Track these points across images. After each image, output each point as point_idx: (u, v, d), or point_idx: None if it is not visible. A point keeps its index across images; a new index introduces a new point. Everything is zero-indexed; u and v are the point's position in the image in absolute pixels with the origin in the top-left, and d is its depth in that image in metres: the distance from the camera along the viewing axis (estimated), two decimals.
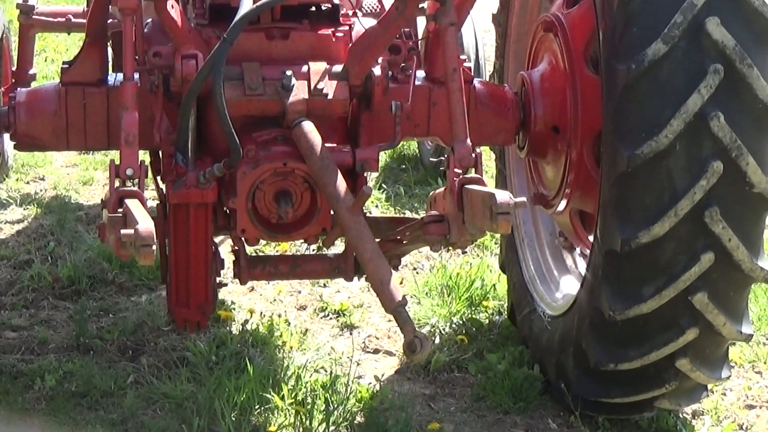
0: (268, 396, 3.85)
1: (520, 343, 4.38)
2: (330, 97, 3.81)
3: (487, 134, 4.23)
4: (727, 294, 3.77)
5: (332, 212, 3.75)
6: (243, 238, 3.93)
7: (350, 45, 3.99)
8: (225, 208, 3.92)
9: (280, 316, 4.51)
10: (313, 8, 4.04)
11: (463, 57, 4.34)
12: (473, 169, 3.72)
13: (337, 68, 3.87)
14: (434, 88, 4.05)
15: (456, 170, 3.68)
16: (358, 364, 4.16)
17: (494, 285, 4.72)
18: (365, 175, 3.89)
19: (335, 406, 3.82)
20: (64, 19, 5.20)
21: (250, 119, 3.80)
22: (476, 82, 4.28)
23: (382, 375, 4.14)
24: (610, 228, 3.70)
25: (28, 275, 4.76)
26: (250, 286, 4.78)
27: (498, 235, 4.78)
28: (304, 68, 3.83)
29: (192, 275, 3.93)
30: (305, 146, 3.68)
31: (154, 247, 3.29)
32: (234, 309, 4.54)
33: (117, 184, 3.52)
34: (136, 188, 3.52)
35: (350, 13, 4.18)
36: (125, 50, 3.64)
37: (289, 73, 3.74)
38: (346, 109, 3.93)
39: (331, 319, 4.56)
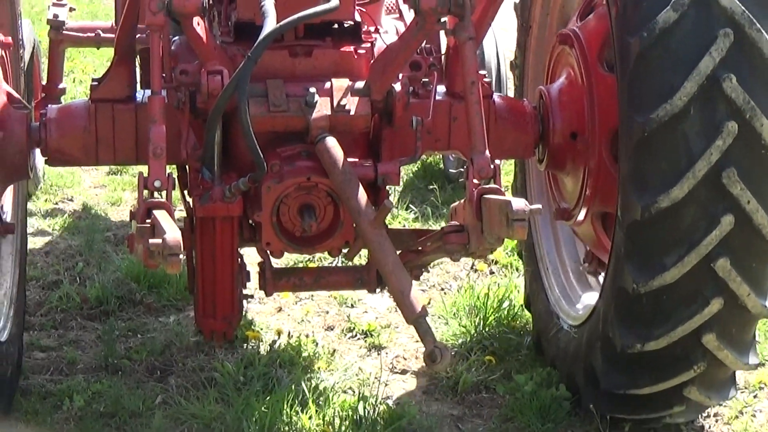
0: (296, 417, 3.86)
1: (548, 364, 4.39)
2: (352, 113, 3.90)
3: (507, 147, 4.29)
4: (750, 262, 3.79)
5: (354, 225, 3.83)
6: (268, 251, 4.05)
7: (372, 61, 4.08)
8: (250, 222, 4.00)
9: (307, 336, 4.52)
10: (336, 26, 4.13)
11: (483, 72, 4.36)
12: (492, 180, 3.76)
13: (359, 84, 3.95)
14: (455, 103, 4.12)
15: (475, 181, 3.74)
16: (386, 385, 4.17)
17: (522, 305, 4.70)
18: (387, 189, 3.97)
19: (363, 427, 3.83)
20: (93, 34, 5.30)
21: (275, 135, 3.89)
22: (496, 96, 4.35)
23: (410, 396, 4.14)
24: (630, 198, 3.73)
25: (56, 296, 4.78)
26: (278, 306, 4.81)
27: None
28: (327, 85, 3.92)
29: (218, 287, 4.03)
30: (328, 161, 3.77)
31: (181, 256, 3.41)
32: (262, 329, 4.55)
33: (145, 195, 3.60)
34: (164, 200, 3.60)
35: (372, 30, 4.27)
36: (153, 66, 3.72)
37: (312, 90, 3.83)
38: (368, 124, 4.02)
39: (358, 339, 4.57)
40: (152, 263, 3.46)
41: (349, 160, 3.82)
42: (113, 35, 4.58)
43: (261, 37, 3.67)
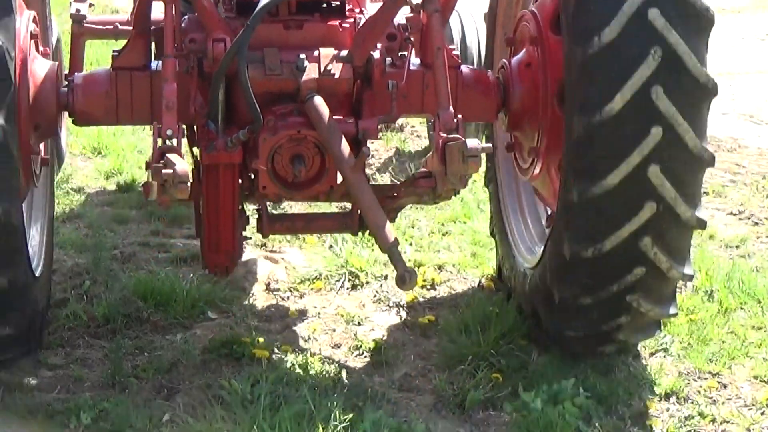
0: None
1: (506, 295, 5.01)
2: (337, 76, 4.53)
3: (474, 112, 4.92)
4: (670, 240, 4.40)
5: (338, 172, 4.44)
6: (264, 197, 4.66)
7: (354, 34, 4.70)
8: (249, 173, 4.61)
9: (314, 354, 4.52)
10: (324, 5, 4.80)
11: (452, 46, 5.06)
12: (456, 132, 4.32)
13: (343, 53, 4.57)
14: (427, 72, 4.68)
15: (441, 134, 4.32)
16: (393, 403, 4.17)
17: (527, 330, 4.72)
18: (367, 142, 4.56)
19: None
20: (111, 27, 5.72)
21: (270, 95, 4.48)
22: (464, 67, 4.96)
23: (417, 413, 4.13)
24: (570, 183, 4.35)
25: (63, 314, 4.79)
26: (285, 323, 4.81)
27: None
28: (315, 53, 4.54)
29: (221, 226, 4.65)
30: (315, 117, 4.40)
31: (189, 184, 4.09)
32: (269, 347, 4.55)
33: (159, 143, 4.18)
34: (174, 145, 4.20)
35: (356, 10, 4.88)
36: (166, 34, 4.38)
37: (302, 56, 4.45)
38: (351, 87, 4.63)
39: (365, 357, 4.57)
40: (165, 198, 4.13)
41: (334, 117, 4.45)
42: (130, 27, 5.03)
43: (257, 8, 4.34)
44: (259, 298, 5.05)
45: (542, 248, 4.79)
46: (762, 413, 4.20)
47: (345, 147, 4.38)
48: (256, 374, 4.31)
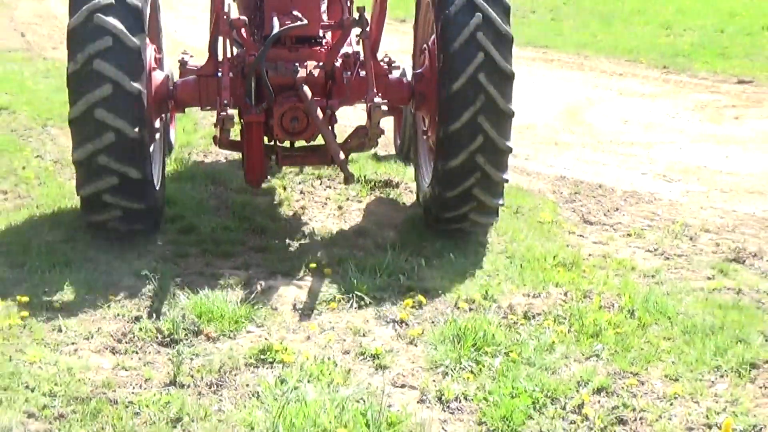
0: (320, 420, 3.89)
1: (422, 209, 6.39)
2: (316, 76, 6.03)
3: (395, 99, 6.36)
4: (494, 158, 5.82)
5: (317, 126, 5.86)
6: (277, 139, 6.13)
7: (327, 54, 6.13)
8: (268, 127, 6.00)
9: (329, 359, 4.54)
10: (312, 39, 6.27)
11: (384, 60, 6.50)
12: (376, 108, 5.83)
13: (320, 64, 6.10)
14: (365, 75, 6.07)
15: (368, 104, 5.88)
16: (389, 396, 4.20)
17: (493, 334, 4.74)
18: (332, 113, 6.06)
19: (372, 428, 3.86)
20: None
21: (279, 86, 5.90)
22: (390, 75, 6.34)
23: (407, 404, 4.16)
24: (438, 127, 5.86)
25: (137, 327, 4.83)
26: (307, 335, 4.83)
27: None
28: (305, 63, 6.06)
29: (254, 159, 6.14)
30: (304, 97, 5.84)
31: (236, 125, 5.85)
32: (294, 353, 4.58)
33: (221, 110, 5.69)
34: (230, 111, 5.71)
35: (327, 40, 6.43)
36: (224, 52, 6.00)
37: (297, 65, 6.00)
38: (324, 82, 6.08)
39: (368, 361, 4.58)
40: (224, 136, 5.93)
41: (315, 98, 5.89)
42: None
43: (268, 39, 5.87)
44: (287, 316, 5.08)
45: (431, 173, 6.15)
46: (671, 404, 4.21)
47: (319, 113, 5.84)
48: (284, 374, 4.35)
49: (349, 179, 6.03)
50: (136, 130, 5.48)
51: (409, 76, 6.37)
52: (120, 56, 5.38)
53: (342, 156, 5.94)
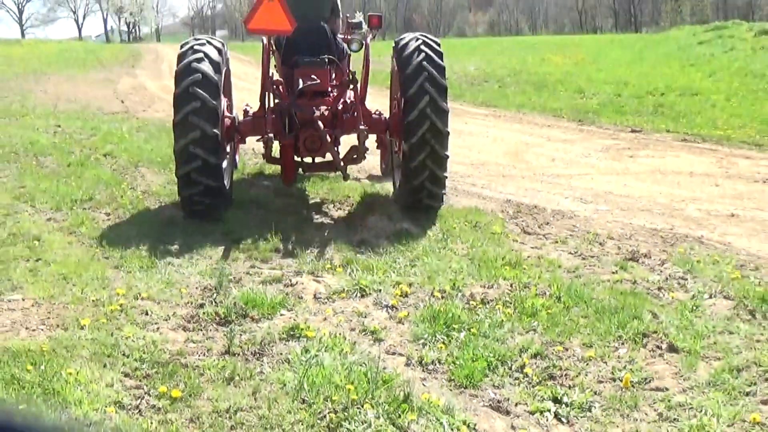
0: (334, 379, 3.84)
1: (394, 194, 7.27)
2: (326, 115, 6.71)
3: (376, 129, 7.05)
4: (437, 163, 6.58)
5: (327, 147, 6.61)
6: (301, 155, 6.72)
7: (333, 101, 6.87)
8: (296, 147, 6.66)
9: (340, 334, 4.49)
10: (323, 92, 6.91)
11: (376, 111, 7.22)
12: (362, 135, 6.67)
13: (329, 108, 6.75)
14: (356, 114, 6.84)
15: (358, 133, 6.65)
16: (384, 361, 4.15)
17: (459, 315, 4.69)
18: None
19: (371, 384, 3.81)
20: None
21: (303, 122, 6.60)
22: (373, 115, 7.03)
23: (397, 367, 4.11)
24: (402, 143, 6.61)
25: (202, 312, 4.78)
26: (324, 317, 4.76)
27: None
28: (320, 108, 6.71)
29: (288, 169, 6.86)
30: (319, 129, 6.56)
31: (276, 143, 6.76)
32: (314, 330, 4.53)
33: (266, 136, 6.49)
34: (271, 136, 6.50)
35: (333, 93, 7.05)
36: (268, 104, 6.91)
37: (314, 108, 6.64)
38: (332, 118, 6.75)
39: (368, 335, 4.53)
40: (268, 153, 6.75)
41: (326, 129, 6.55)
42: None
43: (296, 93, 6.70)
44: (310, 303, 5.04)
45: (400, 175, 6.89)
46: (587, 364, 4.16)
47: (328, 139, 6.52)
48: (308, 346, 4.29)
49: (346, 178, 6.89)
50: (214, 160, 6.33)
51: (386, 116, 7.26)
52: (204, 112, 6.25)
53: (342, 165, 6.76)
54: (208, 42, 6.50)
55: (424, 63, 6.40)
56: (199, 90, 6.16)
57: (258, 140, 6.91)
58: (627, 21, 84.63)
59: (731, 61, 21.45)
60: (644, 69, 21.50)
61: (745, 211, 7.28)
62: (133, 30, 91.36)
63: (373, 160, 8.49)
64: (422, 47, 6.48)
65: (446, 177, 6.64)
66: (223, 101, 6.58)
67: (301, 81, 6.73)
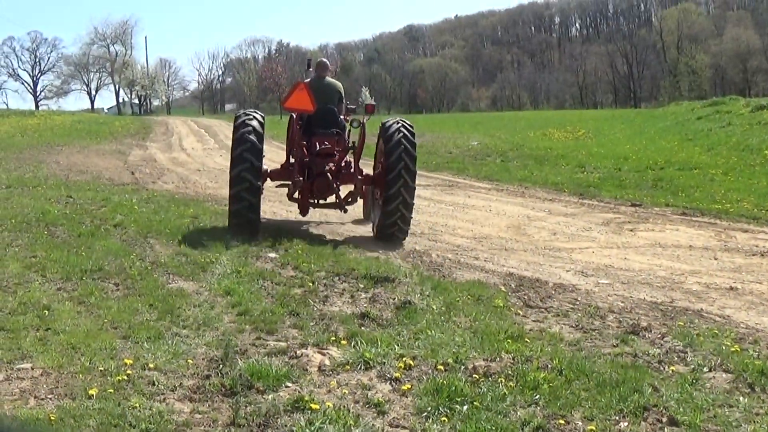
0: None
1: (373, 230, 9.62)
2: (333, 168, 9.01)
3: (366, 181, 9.37)
4: (406, 207, 8.91)
5: (333, 191, 9.06)
6: (314, 194, 9.24)
7: (338, 160, 9.34)
8: (311, 190, 9.09)
9: (344, 406, 4.49)
10: (332, 153, 9.32)
11: (367, 174, 9.74)
12: (362, 185, 9.57)
13: (334, 164, 9.18)
14: (353, 170, 9.25)
15: (356, 183, 9.34)
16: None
17: (462, 388, 4.69)
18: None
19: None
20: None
21: (317, 173, 8.92)
22: (365, 172, 9.44)
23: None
24: (383, 192, 8.89)
25: (208, 383, 4.77)
26: (328, 389, 4.75)
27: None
28: (329, 163, 9.21)
29: (303, 203, 9.41)
30: (327, 178, 8.94)
31: (298, 191, 9.40)
32: (319, 403, 4.49)
33: (296, 179, 9.14)
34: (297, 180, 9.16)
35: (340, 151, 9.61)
36: (294, 159, 9.36)
37: (324, 163, 9.16)
38: (337, 172, 9.15)
39: (372, 408, 4.51)
40: (290, 194, 9.47)
41: (333, 179, 8.95)
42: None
43: (313, 154, 9.14)
44: (315, 375, 5.02)
45: (379, 215, 9.18)
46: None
47: (334, 184, 9.11)
48: (312, 418, 4.29)
49: (344, 211, 9.56)
50: (259, 182, 8.97)
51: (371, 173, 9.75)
52: (254, 151, 8.84)
53: (342, 203, 9.45)
54: (254, 117, 9.09)
55: (402, 139, 8.98)
56: (249, 155, 8.86)
57: (278, 186, 10.01)
58: (627, 96, 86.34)
59: (729, 136, 21.85)
60: (644, 144, 21.89)
61: (744, 284, 7.35)
62: (144, 103, 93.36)
63: (357, 210, 10.81)
64: (401, 128, 9.08)
65: (411, 218, 9.14)
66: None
67: (317, 145, 9.43)
